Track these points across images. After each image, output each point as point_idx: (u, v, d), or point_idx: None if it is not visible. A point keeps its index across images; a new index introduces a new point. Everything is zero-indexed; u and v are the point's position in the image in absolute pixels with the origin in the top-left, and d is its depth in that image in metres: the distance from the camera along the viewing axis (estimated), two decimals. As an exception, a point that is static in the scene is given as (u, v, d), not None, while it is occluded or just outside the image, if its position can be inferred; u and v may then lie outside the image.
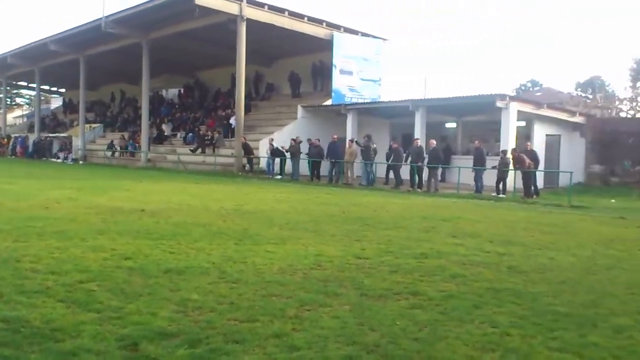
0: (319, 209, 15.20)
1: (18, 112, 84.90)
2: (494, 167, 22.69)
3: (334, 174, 27.37)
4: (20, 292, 5.98)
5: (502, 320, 5.55)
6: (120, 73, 52.04)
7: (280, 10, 33.16)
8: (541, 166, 24.19)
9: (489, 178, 22.85)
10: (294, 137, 29.72)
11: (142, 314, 5.34)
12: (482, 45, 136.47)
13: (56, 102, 72.24)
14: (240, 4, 31.38)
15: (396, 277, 7.23)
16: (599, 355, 4.70)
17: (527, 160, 21.45)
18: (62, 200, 15.03)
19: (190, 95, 49.22)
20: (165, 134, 43.22)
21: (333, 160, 27.29)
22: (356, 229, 11.41)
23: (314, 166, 28.30)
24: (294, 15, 33.83)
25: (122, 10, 35.66)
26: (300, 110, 34.59)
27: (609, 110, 42.78)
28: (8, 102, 74.48)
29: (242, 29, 31.82)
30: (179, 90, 50.86)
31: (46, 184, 20.79)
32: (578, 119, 29.04)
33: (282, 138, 31.36)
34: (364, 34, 37.59)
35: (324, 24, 35.36)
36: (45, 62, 49.06)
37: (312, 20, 34.74)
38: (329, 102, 35.13)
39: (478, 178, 22.96)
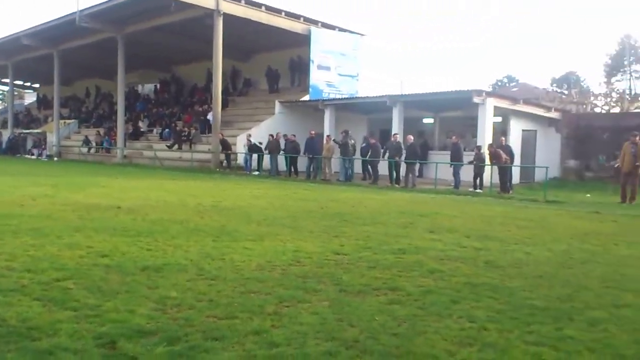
0: (297, 205, 15.19)
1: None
2: (470, 163, 22.79)
3: (311, 169, 27.36)
4: (-5, 290, 5.90)
5: (480, 314, 5.57)
6: (95, 68, 51.64)
7: (257, 5, 33.05)
8: (517, 161, 24.36)
9: (467, 173, 22.96)
10: (272, 133, 29.68)
11: (119, 312, 5.29)
12: (459, 45, 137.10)
13: (30, 98, 71.40)
14: (216, -2, 31.25)
15: (375, 272, 7.23)
16: (575, 348, 4.73)
17: (504, 156, 21.57)
18: (38, 197, 14.88)
19: (167, 91, 48.96)
20: (142, 130, 42.95)
21: (311, 156, 27.27)
22: (334, 225, 11.41)
23: (291, 162, 28.26)
24: (271, 9, 33.72)
25: (97, 5, 35.27)
26: (277, 105, 34.56)
27: (584, 106, 43.22)
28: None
29: (219, 24, 31.70)
30: (155, 86, 50.59)
31: (21, 181, 20.57)
32: (554, 114, 29.25)
33: (259, 134, 31.29)
34: (342, 29, 37.59)
35: (302, 19, 35.29)
36: (19, 56, 48.51)
37: (290, 15, 34.67)
38: (306, 98, 35.10)
39: (455, 173, 23.06)
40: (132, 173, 28.16)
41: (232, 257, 7.88)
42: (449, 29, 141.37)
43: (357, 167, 27.19)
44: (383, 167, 25.20)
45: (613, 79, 66.40)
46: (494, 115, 25.80)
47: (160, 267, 7.15)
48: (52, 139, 47.19)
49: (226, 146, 31.38)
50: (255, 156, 29.94)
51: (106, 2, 34.41)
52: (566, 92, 60.56)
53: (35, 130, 52.13)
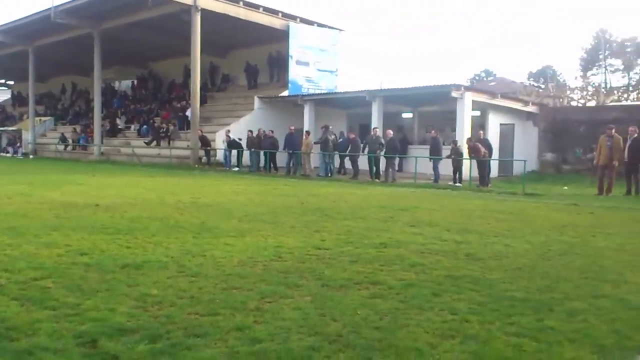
0: (278, 201, 15.17)
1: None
2: (448, 157, 22.89)
3: (291, 165, 27.34)
4: (-28, 290, 5.84)
5: (461, 307, 5.59)
6: (71, 65, 51.19)
7: (235, 1, 32.91)
8: (495, 155, 24.49)
9: (447, 167, 23.05)
10: (251, 129, 29.61)
11: (100, 310, 5.24)
12: (438, 44, 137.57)
13: (4, 95, 70.57)
14: (194, -6, 31.11)
15: (356, 267, 7.24)
16: (555, 339, 4.76)
17: (483, 150, 21.67)
18: (13, 196, 14.74)
19: (144, 87, 48.70)
20: (119, 126, 42.69)
21: (291, 152, 27.24)
22: (315, 220, 11.40)
23: (270, 158, 28.21)
24: (249, 5, 33.62)
25: (73, 0, 35.00)
26: (257, 101, 34.44)
27: (561, 100, 43.51)
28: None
29: (197, 19, 31.58)
30: (132, 82, 50.29)
31: (-3, 179, 20.37)
32: (531, 108, 29.44)
33: (239, 129, 31.23)
34: (320, 25, 37.57)
35: (280, 14, 35.22)
36: (-8, 53, 48.01)
37: (268, 10, 34.59)
38: (285, 93, 35.07)
39: (435, 167, 23.13)
40: (110, 170, 28.00)
41: (213, 253, 7.85)
42: (428, 28, 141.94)
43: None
44: (363, 162, 25.21)
45: (589, 73, 67.10)
46: (473, 110, 25.92)
47: (140, 264, 7.10)
48: (27, 136, 46.79)
49: (205, 142, 31.26)
50: (234, 152, 29.84)
51: (82, -3, 34.14)
52: (543, 86, 61.01)
53: (10, 128, 51.60)
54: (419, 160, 23.81)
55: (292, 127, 28.29)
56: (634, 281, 6.78)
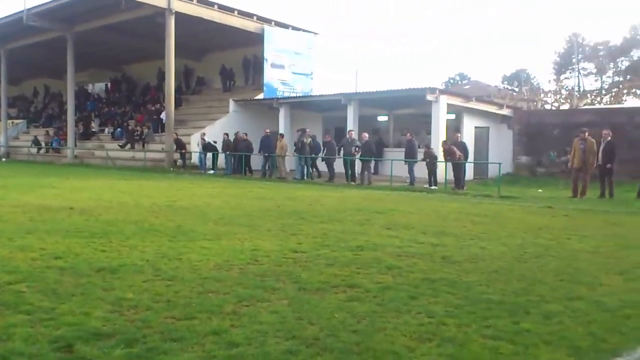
0: (254, 204, 15.13)
1: None
2: (422, 160, 22.96)
3: (267, 168, 27.29)
4: (-55, 295, 5.77)
5: (438, 310, 5.61)
6: (44, 67, 50.77)
7: (209, 4, 32.84)
8: (470, 158, 24.60)
9: (422, 170, 23.12)
10: (226, 132, 29.55)
11: (75, 315, 5.19)
12: (412, 47, 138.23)
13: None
14: (168, -3, 30.98)
15: (333, 270, 7.24)
16: (532, 341, 4.79)
17: (458, 152, 21.77)
18: (-13, 199, 14.58)
19: (117, 90, 48.40)
20: (93, 129, 42.37)
21: (266, 155, 27.20)
22: (292, 223, 11.39)
23: (245, 160, 28.14)
24: (224, 8, 33.55)
25: (45, 3, 34.61)
26: (232, 104, 34.38)
27: (535, 103, 43.88)
28: None
29: (171, 22, 31.44)
30: (106, 85, 49.97)
31: (-31, 183, 20.13)
32: (505, 111, 29.64)
33: (214, 132, 31.13)
34: (295, 28, 37.57)
35: (255, 17, 35.17)
36: (-37, 56, 47.33)
37: (242, 13, 34.51)
38: (261, 96, 34.99)
39: (410, 170, 23.20)
40: (84, 173, 27.75)
41: (189, 257, 7.82)
42: (402, 31, 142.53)
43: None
44: (339, 165, 25.23)
45: (562, 77, 67.73)
46: (448, 113, 26.07)
47: (115, 268, 7.05)
48: (0, 139, 46.30)
49: (180, 145, 31.13)
50: (210, 155, 29.75)
51: (54, 0, 33.81)
52: (517, 89, 61.50)
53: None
54: (395, 163, 23.88)
55: (268, 130, 28.26)
56: (608, 283, 6.85)
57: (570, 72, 71.07)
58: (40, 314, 5.22)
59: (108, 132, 41.12)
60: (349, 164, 24.35)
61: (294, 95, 34.82)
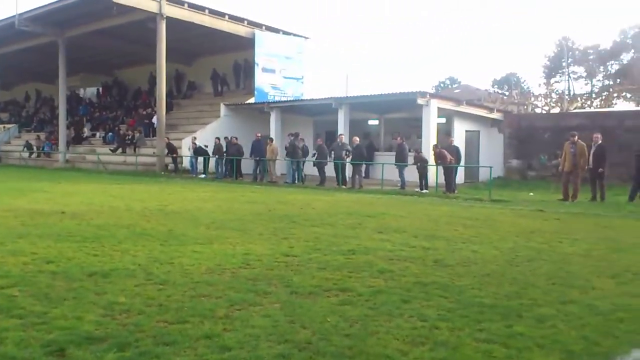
0: (245, 208, 15.12)
1: None
2: (413, 164, 22.96)
3: (258, 172, 27.26)
4: (-64, 299, 5.74)
5: (431, 313, 5.62)
6: (36, 72, 50.60)
7: (200, 9, 32.84)
8: (462, 161, 24.58)
9: (413, 174, 23.12)
10: (218, 136, 29.52)
11: (67, 319, 5.19)
12: (404, 51, 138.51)
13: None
14: (159, 2, 30.96)
15: (325, 273, 7.24)
16: (525, 345, 4.80)
17: (449, 156, 21.79)
18: (-22, 204, 14.53)
19: (109, 94, 48.29)
20: (85, 134, 42.26)
21: (257, 159, 27.17)
22: (283, 227, 11.39)
23: (236, 165, 28.10)
24: (215, 13, 33.54)
25: (37, 8, 34.55)
26: (223, 108, 34.37)
27: (525, 107, 43.98)
28: None
29: (162, 27, 31.41)
30: (98, 89, 49.84)
31: (-41, 187, 20.05)
32: (496, 115, 29.66)
33: (205, 137, 31.12)
34: (286, 33, 37.58)
35: (245, 22, 35.16)
36: (-46, 61, 47.14)
37: (233, 18, 34.52)
38: (252, 100, 35.00)
39: (401, 174, 23.20)
40: (76, 178, 27.67)
41: (181, 261, 7.81)
42: (393, 35, 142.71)
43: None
44: (330, 169, 25.22)
45: (552, 80, 67.96)
46: (438, 116, 26.09)
47: (107, 272, 7.04)
48: (-9, 144, 46.20)
49: (172, 150, 31.07)
50: (201, 159, 29.70)
51: (46, 5, 33.75)
52: (507, 93, 61.66)
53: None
54: (386, 166, 23.88)
55: (259, 134, 28.24)
56: (601, 287, 6.87)
57: (560, 76, 71.37)
58: (33, 318, 5.21)
59: (99, 137, 41.00)
60: (339, 168, 24.35)
61: (285, 99, 34.82)
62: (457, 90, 66.99)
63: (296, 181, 25.77)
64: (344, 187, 23.74)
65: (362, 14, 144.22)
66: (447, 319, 5.45)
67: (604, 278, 7.34)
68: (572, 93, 61.18)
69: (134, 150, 35.34)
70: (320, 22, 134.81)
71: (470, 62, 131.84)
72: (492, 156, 27.91)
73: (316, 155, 25.95)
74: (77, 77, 47.94)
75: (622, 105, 50.70)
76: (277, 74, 36.22)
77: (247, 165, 28.50)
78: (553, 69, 72.66)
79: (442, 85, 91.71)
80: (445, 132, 26.69)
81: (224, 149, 28.79)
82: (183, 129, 35.20)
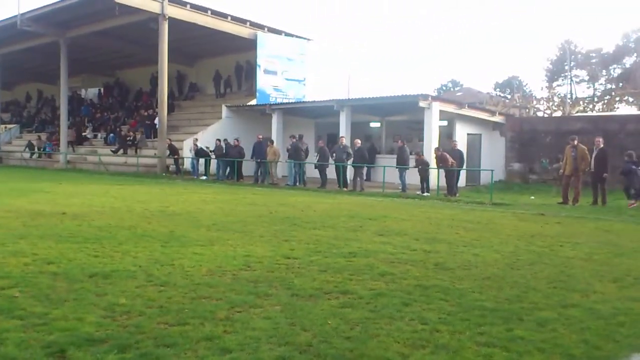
0: (246, 210, 15.12)
1: None
2: (414, 167, 22.94)
3: (259, 174, 27.24)
4: (-63, 300, 5.74)
5: (431, 316, 5.62)
6: (37, 72, 50.80)
7: (202, 9, 32.84)
8: (464, 165, 24.54)
9: (414, 177, 23.10)
10: (219, 138, 29.51)
11: (68, 320, 5.19)
12: (405, 52, 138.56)
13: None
14: (161, 3, 30.97)
15: (326, 276, 7.24)
16: (525, 349, 4.80)
17: (450, 159, 21.76)
18: (-21, 204, 14.54)
19: (110, 95, 48.30)
20: (86, 135, 42.27)
21: (259, 160, 27.15)
22: (284, 229, 11.39)
23: (238, 166, 28.09)
24: (217, 14, 33.53)
25: (39, 8, 34.60)
26: (224, 110, 34.34)
27: (527, 110, 43.91)
28: None
29: (164, 28, 31.43)
30: (99, 90, 49.86)
31: (-40, 188, 20.07)
32: (498, 118, 29.63)
33: (206, 138, 31.10)
34: (288, 34, 37.58)
35: (248, 23, 35.16)
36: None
37: (236, 19, 34.51)
38: (253, 102, 34.99)
39: (401, 177, 23.18)
40: (77, 178, 27.69)
41: (182, 262, 7.82)
42: (395, 38, 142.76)
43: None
44: (331, 171, 25.21)
45: (554, 84, 67.82)
46: (440, 119, 26.05)
47: (108, 273, 7.05)
48: (-8, 144, 46.26)
49: (174, 151, 31.06)
50: (202, 161, 29.69)
51: (48, 5, 33.78)
52: (509, 96, 61.62)
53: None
54: (387, 169, 23.86)
55: (260, 136, 28.22)
56: (602, 291, 6.86)
57: (562, 79, 71.29)
58: (33, 319, 5.22)
59: (101, 138, 41.02)
60: (341, 170, 24.34)
61: (287, 101, 34.84)
62: (459, 93, 67.07)
63: (297, 183, 25.74)
64: (345, 189, 23.71)
65: (362, 14, 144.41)
66: (447, 322, 5.45)
67: (605, 282, 7.34)
68: (574, 97, 61.05)
69: (135, 152, 35.35)
70: (320, 22, 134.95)
71: (472, 64, 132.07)
72: (493, 159, 27.89)
73: (317, 158, 25.92)
74: (79, 78, 48.04)
75: (624, 109, 50.58)
76: (279, 76, 36.22)
77: (248, 167, 28.48)
78: (555, 72, 72.60)
79: (444, 88, 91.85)
80: (446, 135, 26.68)
81: (224, 151, 28.76)
82: (184, 131, 35.19)
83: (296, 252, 8.82)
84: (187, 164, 31.23)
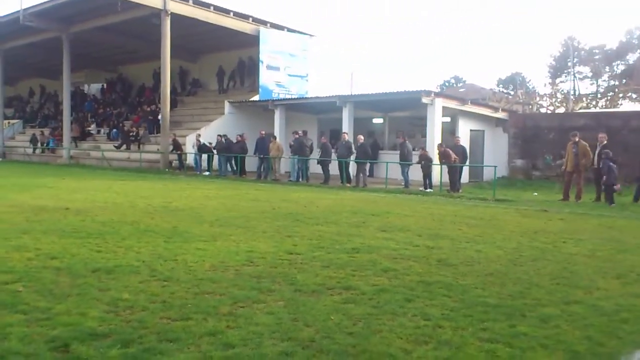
0: (249, 205, 15.12)
1: None
2: (417, 162, 22.90)
3: (262, 169, 27.24)
4: (-59, 294, 5.76)
5: (434, 312, 5.63)
6: (40, 68, 50.79)
7: (205, 5, 32.77)
8: (467, 161, 24.50)
9: (417, 173, 23.06)
10: (220, 133, 29.52)
11: (71, 315, 5.21)
12: (408, 49, 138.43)
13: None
14: (163, -2, 30.95)
15: (329, 272, 7.25)
16: (528, 345, 4.81)
17: (453, 155, 21.74)
18: (-18, 199, 14.56)
19: (113, 91, 48.30)
20: (90, 130, 42.32)
21: (261, 156, 27.15)
22: (287, 225, 11.40)
23: (240, 162, 28.11)
24: (220, 10, 33.47)
25: (42, 3, 34.52)
26: (227, 105, 34.36)
27: (530, 106, 43.84)
28: None
29: (166, 23, 31.39)
30: (102, 85, 49.86)
31: (-36, 183, 20.10)
32: (501, 114, 29.56)
33: (209, 134, 31.07)
34: (291, 30, 37.53)
35: (250, 19, 35.11)
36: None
37: (238, 15, 34.45)
38: (256, 98, 34.96)
39: (403, 173, 23.16)
40: (80, 174, 27.71)
41: (185, 258, 7.83)
42: (398, 33, 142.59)
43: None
44: (334, 167, 25.20)
45: (557, 80, 67.78)
46: (443, 116, 26.02)
47: (111, 268, 7.06)
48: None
49: (178, 146, 31.07)
50: (205, 156, 29.70)
51: (51, 0, 33.73)
52: (512, 92, 61.54)
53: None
54: (390, 165, 23.83)
55: (263, 132, 28.17)
56: (605, 287, 6.86)
57: (565, 76, 71.17)
58: (37, 313, 5.24)
59: (104, 133, 41.05)
60: (343, 166, 24.32)
61: (289, 97, 34.81)
62: (462, 90, 66.90)
63: (300, 179, 25.73)
64: (348, 185, 23.71)
65: (362, 14, 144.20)
66: (450, 318, 5.46)
67: (608, 278, 7.33)
68: (577, 93, 60.98)
69: (138, 147, 35.37)
70: (321, 23, 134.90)
71: (474, 61, 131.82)
72: (496, 156, 27.86)
73: (320, 153, 25.91)
74: (82, 73, 48.08)
75: (627, 105, 50.54)
76: (282, 72, 36.17)
77: (251, 162, 28.49)
78: (558, 68, 72.52)
79: (446, 84, 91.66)
80: (449, 131, 26.64)
81: (224, 146, 28.74)
82: (187, 126, 35.19)
83: (299, 248, 8.83)
84: (190, 160, 31.23)
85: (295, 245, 9.12)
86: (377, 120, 32.46)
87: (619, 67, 67.58)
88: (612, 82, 66.52)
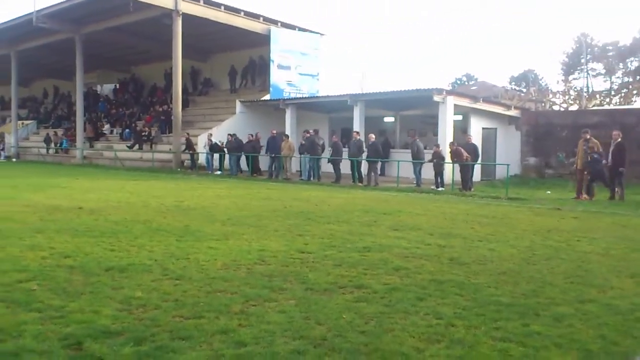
0: (261, 204, 15.14)
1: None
2: (430, 161, 22.84)
3: (273, 169, 27.26)
4: (-43, 293, 5.80)
5: (447, 311, 5.61)
6: (53, 69, 51.02)
7: (216, 5, 32.88)
8: (479, 159, 24.42)
9: (429, 171, 23.00)
10: (230, 132, 29.58)
11: (84, 313, 5.24)
12: (421, 46, 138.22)
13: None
14: (175, -2, 31.05)
15: (340, 270, 7.25)
16: (542, 344, 4.78)
17: (465, 154, 21.66)
18: (-4, 199, 14.65)
19: (126, 91, 48.48)
20: (103, 131, 42.50)
21: (273, 155, 27.17)
22: (299, 224, 11.40)
23: (253, 161, 28.15)
24: (230, 9, 33.56)
25: (54, 5, 34.74)
26: (238, 105, 34.44)
27: (543, 104, 43.65)
28: None
29: (178, 23, 31.50)
30: (115, 86, 50.07)
31: (-22, 183, 20.22)
32: (513, 112, 29.45)
33: (220, 133, 31.15)
34: (302, 29, 37.55)
35: (261, 18, 35.16)
36: (-26, 58, 47.50)
37: (249, 14, 34.51)
38: (267, 97, 35.00)
39: (415, 171, 23.11)
40: (93, 174, 27.84)
41: (197, 256, 7.85)
42: (409, 31, 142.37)
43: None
44: (345, 166, 25.19)
45: (570, 77, 67.40)
46: (455, 114, 25.94)
47: (124, 267, 7.10)
48: (10, 140, 46.51)
49: (190, 146, 31.15)
50: (216, 156, 29.75)
51: (64, 2, 33.88)
52: (525, 90, 61.28)
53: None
54: (402, 164, 23.78)
55: (274, 131, 28.19)
56: (619, 286, 6.82)
57: (578, 73, 70.82)
58: (51, 311, 5.28)
59: (116, 133, 41.23)
60: (355, 165, 24.30)
61: (300, 96, 34.84)
62: (473, 87, 66.75)
63: (312, 178, 25.74)
64: (359, 184, 23.68)
65: (373, 12, 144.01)
66: (463, 317, 5.44)
67: (622, 277, 7.29)
68: (590, 90, 60.60)
69: (151, 147, 35.50)
70: (331, 21, 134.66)
71: (488, 59, 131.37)
72: (509, 154, 27.76)
73: (331, 152, 25.90)
74: (94, 74, 48.28)
75: (642, 102, 50.17)
76: (293, 71, 36.20)
77: (262, 162, 28.53)
78: (571, 65, 72.15)
79: (458, 82, 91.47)
80: (461, 129, 26.56)
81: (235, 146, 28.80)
82: (199, 126, 35.29)
83: (310, 247, 8.84)
84: (201, 159, 31.31)
85: (306, 244, 9.12)
86: (389, 119, 32.44)
87: (633, 64, 67.09)
88: (625, 79, 66.06)
